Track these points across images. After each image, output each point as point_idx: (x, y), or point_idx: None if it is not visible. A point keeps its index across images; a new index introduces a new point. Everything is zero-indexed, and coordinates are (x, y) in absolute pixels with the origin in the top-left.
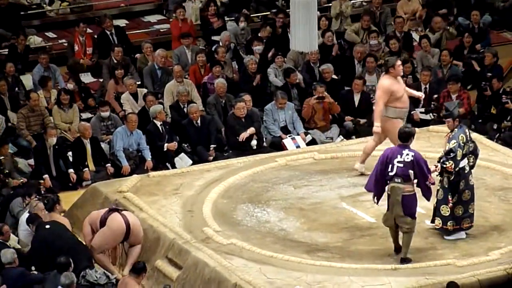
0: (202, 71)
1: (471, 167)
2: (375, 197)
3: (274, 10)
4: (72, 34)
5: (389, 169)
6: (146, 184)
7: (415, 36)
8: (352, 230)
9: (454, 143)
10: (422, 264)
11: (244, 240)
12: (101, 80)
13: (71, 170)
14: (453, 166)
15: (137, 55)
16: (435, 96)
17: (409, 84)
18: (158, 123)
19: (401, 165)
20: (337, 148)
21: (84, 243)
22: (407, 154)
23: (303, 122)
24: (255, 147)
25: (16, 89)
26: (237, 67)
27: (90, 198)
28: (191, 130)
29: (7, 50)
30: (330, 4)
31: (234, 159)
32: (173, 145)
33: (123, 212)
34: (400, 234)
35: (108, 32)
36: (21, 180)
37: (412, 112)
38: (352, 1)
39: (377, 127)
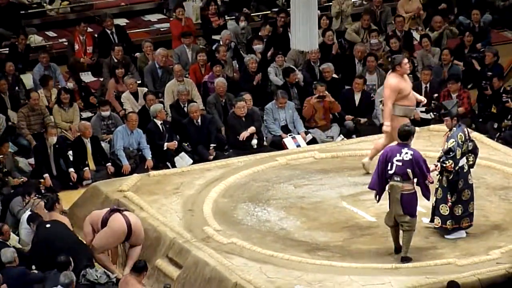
0: (203, 70)
1: (471, 166)
2: (377, 196)
3: (275, 9)
4: (73, 33)
5: (389, 168)
6: (146, 183)
7: (416, 35)
8: (352, 229)
9: (453, 142)
10: (423, 263)
11: (245, 239)
12: (101, 79)
13: (71, 169)
14: (453, 165)
15: (137, 54)
16: (436, 95)
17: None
18: (159, 122)
19: (400, 163)
20: (337, 147)
21: (85, 243)
22: (406, 153)
23: (303, 121)
24: (255, 146)
25: (17, 88)
26: (237, 66)
27: (90, 197)
28: (191, 129)
29: (7, 49)
30: (331, 3)
31: (235, 158)
32: (173, 144)
33: (125, 212)
34: (401, 233)
35: (109, 31)
36: (22, 180)
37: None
38: (352, 0)
39: (387, 126)
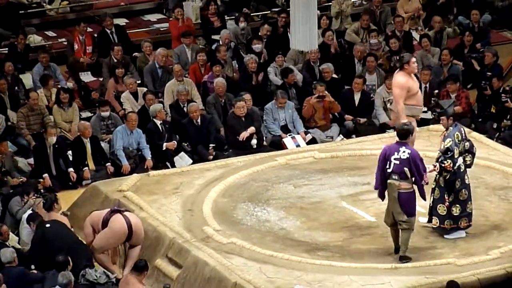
0: (202, 70)
1: (468, 165)
2: (381, 194)
3: (275, 9)
4: (72, 33)
5: (387, 166)
6: (146, 183)
7: (415, 35)
8: (352, 229)
9: (450, 141)
10: (422, 263)
11: (244, 239)
12: (101, 79)
13: (71, 169)
14: (451, 164)
15: (135, 54)
16: (436, 91)
17: None
18: (158, 122)
19: (398, 162)
20: (337, 147)
21: (85, 243)
22: (404, 152)
23: (303, 121)
24: (255, 146)
25: (16, 88)
26: (237, 66)
27: (90, 197)
28: (191, 129)
29: (6, 49)
30: (330, 3)
31: (234, 158)
32: (172, 144)
33: (125, 213)
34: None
35: (108, 31)
36: (21, 180)
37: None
38: (352, 0)
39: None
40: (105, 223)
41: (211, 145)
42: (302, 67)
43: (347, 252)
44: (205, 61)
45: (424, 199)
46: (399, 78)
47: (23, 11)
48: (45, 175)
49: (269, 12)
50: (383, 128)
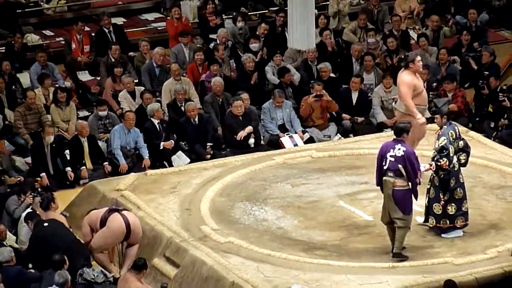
0: (200, 69)
1: (463, 164)
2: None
3: (273, 9)
4: (70, 32)
5: (384, 163)
6: (143, 182)
7: (413, 34)
8: (349, 229)
9: (444, 139)
10: (420, 262)
11: (242, 239)
12: (98, 78)
13: (68, 169)
14: (447, 163)
15: (131, 53)
16: (434, 84)
17: None
18: (156, 121)
19: (393, 159)
20: (334, 146)
21: (82, 242)
22: (399, 149)
23: (301, 121)
24: (252, 145)
25: (13, 87)
26: (234, 65)
27: (87, 196)
28: (188, 128)
29: (4, 48)
30: (328, 3)
31: (232, 157)
32: (169, 143)
33: (123, 212)
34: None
35: (106, 30)
36: (18, 179)
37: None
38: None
39: (419, 119)
40: (103, 222)
41: (208, 144)
42: (300, 66)
43: (345, 251)
44: (202, 60)
45: (416, 198)
46: (405, 76)
47: (20, 10)
48: (43, 174)
49: (267, 11)
50: (380, 127)
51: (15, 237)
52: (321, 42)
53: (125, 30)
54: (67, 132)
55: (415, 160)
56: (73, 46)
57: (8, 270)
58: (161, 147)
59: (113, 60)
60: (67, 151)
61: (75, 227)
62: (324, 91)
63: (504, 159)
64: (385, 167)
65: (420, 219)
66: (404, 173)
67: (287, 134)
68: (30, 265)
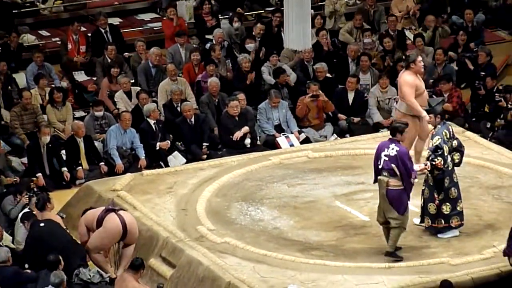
0: (196, 70)
1: (457, 164)
2: None
3: (269, 9)
4: (66, 32)
5: (379, 162)
6: (139, 182)
7: (409, 34)
8: (346, 229)
9: (438, 139)
10: (416, 263)
11: (238, 239)
12: (94, 78)
13: (64, 169)
14: (442, 162)
15: (126, 54)
16: (431, 80)
17: None
18: (152, 122)
19: (387, 158)
20: (331, 147)
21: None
22: (393, 149)
23: (297, 121)
24: (248, 146)
25: (9, 87)
26: (230, 65)
27: (83, 196)
28: (185, 128)
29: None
30: (324, 3)
31: (228, 157)
32: (165, 144)
33: (120, 212)
34: None
35: (103, 30)
36: (14, 179)
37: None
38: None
39: (425, 116)
40: (99, 222)
41: (204, 144)
42: (296, 66)
43: (341, 251)
44: (199, 60)
45: (408, 198)
46: (407, 77)
47: (16, 11)
48: (39, 174)
49: (263, 11)
50: (376, 128)
51: (11, 238)
52: (317, 42)
53: (121, 30)
54: (63, 132)
55: (407, 160)
56: (69, 46)
57: (4, 271)
58: (157, 148)
59: (109, 60)
60: (63, 151)
61: (71, 228)
62: (320, 91)
63: (501, 159)
64: (380, 167)
65: (417, 220)
66: (398, 173)
67: (283, 134)
68: (27, 265)
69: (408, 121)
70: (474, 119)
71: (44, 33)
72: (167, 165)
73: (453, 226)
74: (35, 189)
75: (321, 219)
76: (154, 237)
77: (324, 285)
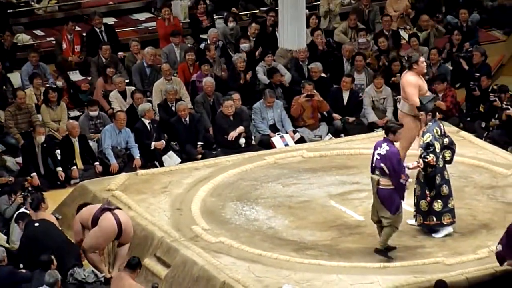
0: (191, 69)
1: (448, 162)
2: None
3: (264, 8)
4: (60, 32)
5: (372, 161)
6: (134, 182)
7: (404, 34)
8: (340, 228)
9: (429, 136)
10: (411, 262)
11: (233, 238)
12: (89, 78)
13: (59, 169)
14: (434, 159)
15: (120, 53)
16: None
17: (397, 82)
18: (147, 122)
19: (379, 157)
20: (325, 146)
21: (74, 241)
22: (384, 148)
23: (291, 120)
24: (243, 145)
25: (4, 87)
26: (225, 66)
27: (78, 196)
28: (180, 128)
29: None
30: (319, 2)
31: (223, 157)
32: (160, 143)
33: (115, 211)
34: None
35: (98, 30)
36: (10, 179)
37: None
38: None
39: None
40: (95, 221)
41: (199, 143)
42: (291, 66)
43: (336, 251)
44: (194, 60)
45: (402, 198)
46: (409, 77)
47: (11, 10)
48: (34, 174)
49: (258, 11)
50: (371, 127)
51: (6, 237)
52: (312, 42)
53: (116, 30)
54: (57, 131)
55: (396, 161)
56: (64, 46)
57: (0, 270)
58: (152, 147)
59: (103, 60)
60: (58, 151)
61: (66, 227)
62: (315, 91)
63: (495, 159)
64: (373, 165)
65: (411, 221)
66: (388, 172)
67: (278, 134)
68: (21, 265)
69: (410, 121)
70: (468, 119)
71: (39, 32)
72: (162, 165)
73: (445, 223)
74: (29, 188)
75: (316, 219)
76: (149, 237)
77: (319, 284)
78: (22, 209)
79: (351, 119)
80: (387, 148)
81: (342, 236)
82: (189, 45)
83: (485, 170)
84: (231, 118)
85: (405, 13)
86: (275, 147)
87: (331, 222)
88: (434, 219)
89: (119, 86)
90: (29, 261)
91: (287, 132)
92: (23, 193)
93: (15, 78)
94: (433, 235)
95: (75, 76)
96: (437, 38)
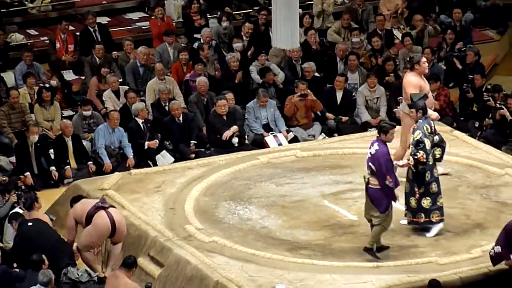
0: (185, 69)
1: (438, 159)
2: None
3: (256, 8)
4: (54, 31)
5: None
6: (128, 181)
7: (397, 33)
8: (334, 228)
9: (419, 133)
10: (404, 262)
11: (226, 238)
12: (83, 77)
13: (52, 168)
14: (424, 155)
15: (114, 53)
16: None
17: (391, 82)
18: (140, 121)
19: (370, 156)
20: (319, 146)
21: (66, 239)
22: (374, 147)
23: (285, 120)
24: (236, 145)
25: None
26: (218, 65)
27: (72, 195)
28: (173, 127)
29: None
30: (312, 2)
31: (216, 156)
32: (154, 143)
33: (109, 209)
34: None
35: (91, 29)
36: (4, 179)
37: (394, 110)
38: None
39: (432, 113)
40: (88, 219)
41: (192, 142)
42: (284, 65)
43: (329, 250)
44: (187, 60)
45: (393, 200)
46: (411, 78)
47: (4, 10)
48: (27, 173)
49: (252, 10)
50: (365, 127)
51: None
52: (306, 41)
53: (110, 30)
54: (50, 130)
55: (383, 162)
56: (58, 45)
57: None
58: (146, 147)
59: (97, 59)
60: (52, 151)
61: (59, 227)
62: (308, 90)
63: (489, 158)
64: (367, 164)
65: (404, 220)
66: (375, 172)
67: (271, 134)
68: (15, 265)
69: (411, 121)
70: (462, 118)
71: (32, 32)
72: (155, 164)
73: (434, 221)
74: (23, 187)
75: (309, 218)
76: (143, 236)
77: (312, 284)
78: (16, 209)
79: (344, 118)
80: (377, 148)
81: (335, 235)
82: (182, 45)
83: (478, 169)
84: (225, 118)
85: (399, 12)
86: (269, 147)
87: (324, 222)
88: (423, 216)
89: (113, 86)
90: (22, 260)
91: (280, 132)
92: (16, 192)
93: (9, 77)
94: (426, 235)
95: (69, 75)
96: (433, 37)
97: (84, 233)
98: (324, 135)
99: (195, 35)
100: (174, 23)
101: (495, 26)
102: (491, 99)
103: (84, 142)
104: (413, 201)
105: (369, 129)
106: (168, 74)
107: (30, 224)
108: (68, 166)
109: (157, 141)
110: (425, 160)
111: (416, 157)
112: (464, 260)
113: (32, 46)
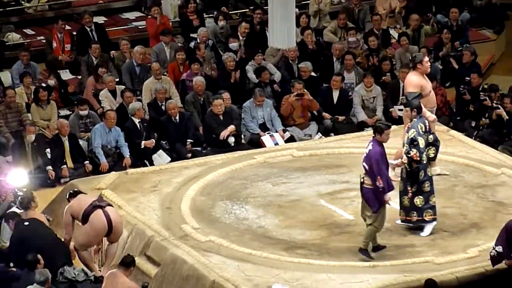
0: (181, 68)
1: (432, 158)
2: None
3: (252, 7)
4: (51, 31)
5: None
6: (124, 181)
7: (394, 33)
8: (330, 227)
9: (414, 132)
10: (400, 262)
11: (223, 237)
12: (79, 77)
13: (49, 167)
14: (418, 154)
15: (112, 52)
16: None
17: (387, 82)
18: (136, 120)
19: (364, 155)
20: (315, 146)
21: (64, 237)
22: (369, 147)
23: (281, 119)
24: (233, 144)
25: None
26: (215, 65)
27: None
28: (170, 127)
29: None
30: (308, 1)
31: (213, 156)
32: (150, 142)
33: (106, 208)
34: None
35: (88, 29)
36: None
37: (390, 109)
38: None
39: (429, 116)
40: (85, 218)
41: (188, 141)
42: (281, 65)
43: (326, 250)
44: (184, 59)
45: (381, 203)
46: (412, 77)
47: (1, 9)
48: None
49: (248, 10)
50: (361, 126)
51: None
52: (302, 41)
53: (106, 29)
54: (47, 130)
55: (374, 163)
56: (54, 45)
57: None
58: (142, 146)
59: (94, 59)
60: (48, 150)
61: (55, 226)
62: (305, 90)
63: (485, 158)
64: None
65: (398, 221)
66: (368, 171)
67: (268, 133)
68: (12, 264)
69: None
70: (458, 118)
71: (29, 31)
72: (151, 164)
73: (427, 219)
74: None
75: (305, 218)
76: (139, 236)
77: (308, 283)
78: (13, 208)
79: (341, 118)
80: (370, 148)
81: (332, 235)
82: (179, 44)
83: (475, 169)
84: (221, 117)
85: (398, 11)
86: (265, 146)
87: (321, 221)
88: (416, 214)
89: (109, 85)
90: (19, 260)
91: (277, 131)
92: (13, 192)
93: (5, 77)
94: (421, 234)
95: (66, 75)
96: (430, 36)
97: (81, 232)
98: (321, 135)
99: (191, 35)
100: (170, 23)
101: (492, 26)
102: (487, 98)
103: (81, 142)
104: (406, 200)
105: (366, 129)
106: (164, 73)
107: (26, 223)
108: (65, 166)
109: (154, 140)
110: (418, 158)
111: (409, 155)
112: (460, 259)
113: (29, 46)
